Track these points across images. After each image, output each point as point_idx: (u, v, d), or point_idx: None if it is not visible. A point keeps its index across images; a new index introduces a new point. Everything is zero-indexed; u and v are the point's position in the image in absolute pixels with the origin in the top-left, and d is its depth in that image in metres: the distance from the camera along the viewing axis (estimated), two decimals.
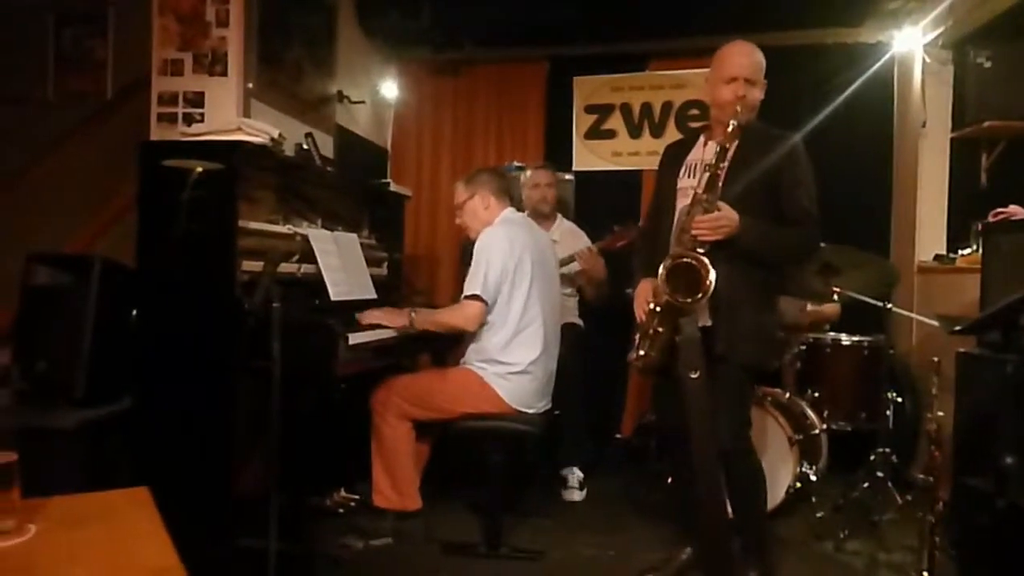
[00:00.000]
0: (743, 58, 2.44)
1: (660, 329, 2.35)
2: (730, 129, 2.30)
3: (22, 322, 2.72)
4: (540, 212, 3.87)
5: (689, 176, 2.52)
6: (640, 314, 2.46)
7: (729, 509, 2.56)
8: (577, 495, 3.60)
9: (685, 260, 2.24)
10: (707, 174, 2.30)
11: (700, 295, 2.21)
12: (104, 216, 3.86)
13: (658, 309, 2.35)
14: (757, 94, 2.44)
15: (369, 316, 2.92)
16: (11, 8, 4.53)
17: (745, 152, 2.37)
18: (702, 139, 2.58)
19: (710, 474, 2.34)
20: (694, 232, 2.28)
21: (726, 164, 2.30)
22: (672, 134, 4.53)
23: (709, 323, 2.38)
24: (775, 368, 3.32)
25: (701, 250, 2.26)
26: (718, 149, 2.31)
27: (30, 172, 4.25)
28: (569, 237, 3.95)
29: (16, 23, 4.56)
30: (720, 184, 2.29)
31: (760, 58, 2.46)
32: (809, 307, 3.60)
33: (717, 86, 2.45)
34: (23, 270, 2.75)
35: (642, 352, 2.41)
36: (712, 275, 2.19)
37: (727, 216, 2.27)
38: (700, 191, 2.31)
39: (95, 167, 4.13)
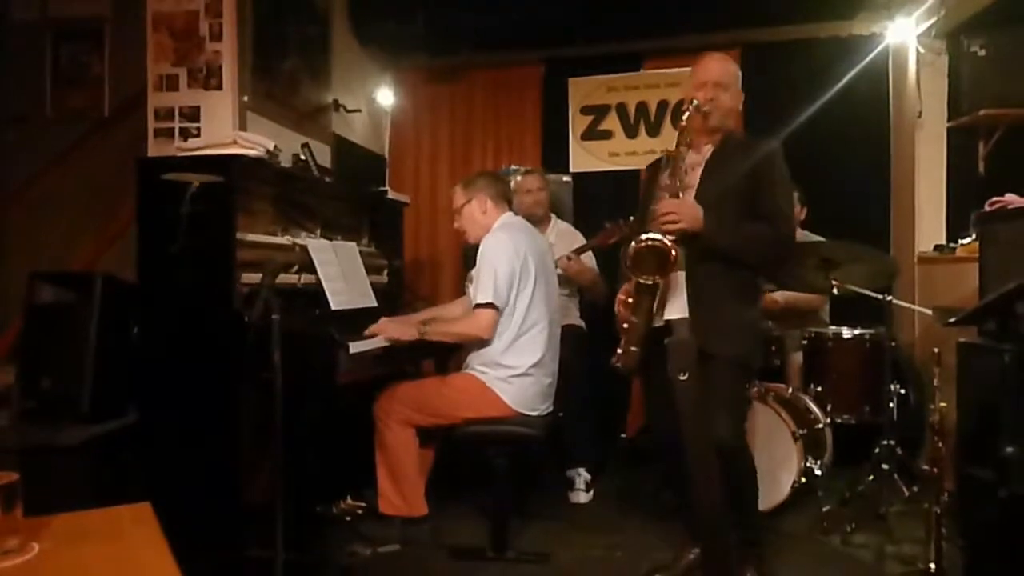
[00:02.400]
0: (712, 63, 2.59)
1: (634, 319, 2.38)
2: (686, 116, 2.41)
3: (26, 340, 2.74)
4: (534, 216, 3.79)
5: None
6: (619, 309, 2.50)
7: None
8: (584, 497, 3.60)
9: (649, 242, 2.29)
10: (669, 159, 2.40)
11: (668, 270, 2.28)
12: (106, 232, 3.88)
13: (630, 300, 2.39)
14: (728, 99, 2.54)
15: (378, 329, 2.92)
16: (8, 26, 4.57)
17: (723, 157, 2.45)
18: None
19: (704, 474, 2.34)
20: (660, 216, 2.34)
21: (687, 148, 2.41)
22: (668, 132, 4.53)
23: (686, 315, 2.40)
24: (763, 364, 3.30)
25: (671, 238, 2.30)
26: (678, 133, 2.42)
27: (30, 189, 4.29)
28: (565, 239, 3.94)
29: (13, 41, 4.60)
30: (682, 166, 2.40)
31: (732, 67, 2.61)
32: (778, 294, 3.60)
33: (691, 93, 2.56)
34: (26, 288, 2.78)
35: (620, 350, 2.43)
36: (677, 250, 2.26)
37: (688, 202, 2.38)
38: (664, 177, 2.40)
39: (94, 183, 4.16)
